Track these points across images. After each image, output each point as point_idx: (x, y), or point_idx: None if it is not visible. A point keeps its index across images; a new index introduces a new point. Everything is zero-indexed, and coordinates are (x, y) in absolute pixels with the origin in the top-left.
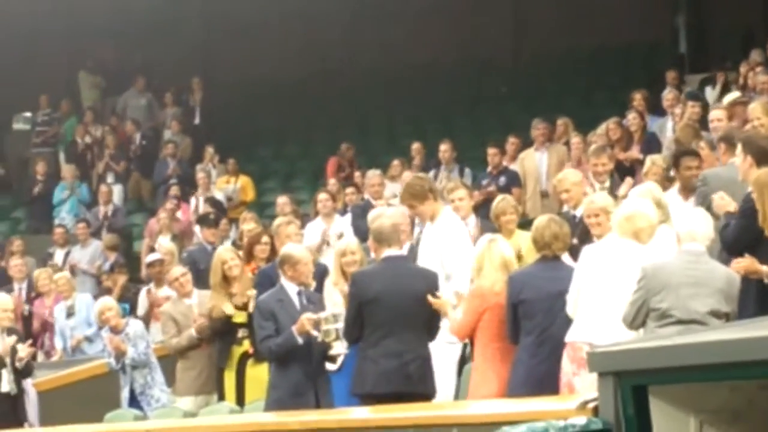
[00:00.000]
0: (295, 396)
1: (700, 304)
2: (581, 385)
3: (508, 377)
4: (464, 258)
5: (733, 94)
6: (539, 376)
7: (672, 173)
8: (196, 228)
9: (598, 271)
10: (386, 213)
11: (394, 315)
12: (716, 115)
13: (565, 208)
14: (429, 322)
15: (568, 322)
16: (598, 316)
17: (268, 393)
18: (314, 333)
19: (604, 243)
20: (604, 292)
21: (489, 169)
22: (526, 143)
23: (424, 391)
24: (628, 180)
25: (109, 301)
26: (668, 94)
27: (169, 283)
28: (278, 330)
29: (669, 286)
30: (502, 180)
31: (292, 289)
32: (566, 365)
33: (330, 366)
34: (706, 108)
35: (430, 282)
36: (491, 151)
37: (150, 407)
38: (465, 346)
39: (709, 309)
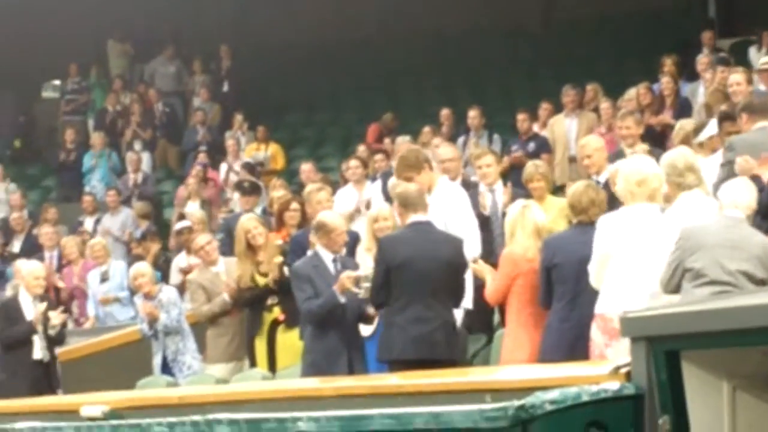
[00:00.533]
0: (328, 360)
1: (734, 266)
2: (614, 356)
3: (540, 342)
4: (469, 224)
5: (765, 59)
6: (571, 341)
7: (699, 139)
8: (235, 195)
9: (622, 240)
10: None
11: (421, 280)
12: (735, 79)
13: (594, 177)
14: (454, 287)
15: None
16: (627, 285)
17: (302, 358)
18: (355, 290)
19: (621, 211)
20: (631, 261)
21: (520, 134)
22: (556, 110)
23: (450, 357)
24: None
25: (143, 267)
26: (703, 58)
27: (195, 252)
28: (316, 295)
29: (705, 246)
30: (532, 146)
31: (326, 256)
32: (597, 337)
33: (365, 329)
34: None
35: (455, 247)
36: (521, 116)
37: (182, 374)
38: (493, 311)
39: (744, 271)
